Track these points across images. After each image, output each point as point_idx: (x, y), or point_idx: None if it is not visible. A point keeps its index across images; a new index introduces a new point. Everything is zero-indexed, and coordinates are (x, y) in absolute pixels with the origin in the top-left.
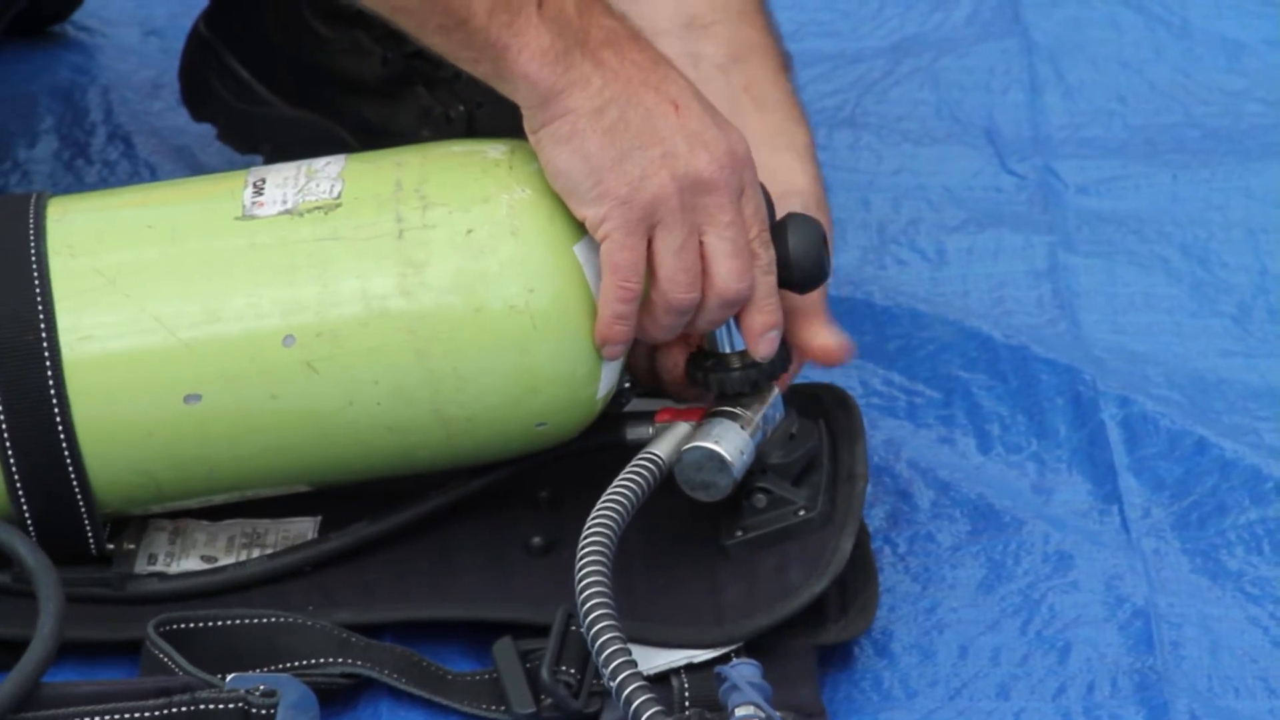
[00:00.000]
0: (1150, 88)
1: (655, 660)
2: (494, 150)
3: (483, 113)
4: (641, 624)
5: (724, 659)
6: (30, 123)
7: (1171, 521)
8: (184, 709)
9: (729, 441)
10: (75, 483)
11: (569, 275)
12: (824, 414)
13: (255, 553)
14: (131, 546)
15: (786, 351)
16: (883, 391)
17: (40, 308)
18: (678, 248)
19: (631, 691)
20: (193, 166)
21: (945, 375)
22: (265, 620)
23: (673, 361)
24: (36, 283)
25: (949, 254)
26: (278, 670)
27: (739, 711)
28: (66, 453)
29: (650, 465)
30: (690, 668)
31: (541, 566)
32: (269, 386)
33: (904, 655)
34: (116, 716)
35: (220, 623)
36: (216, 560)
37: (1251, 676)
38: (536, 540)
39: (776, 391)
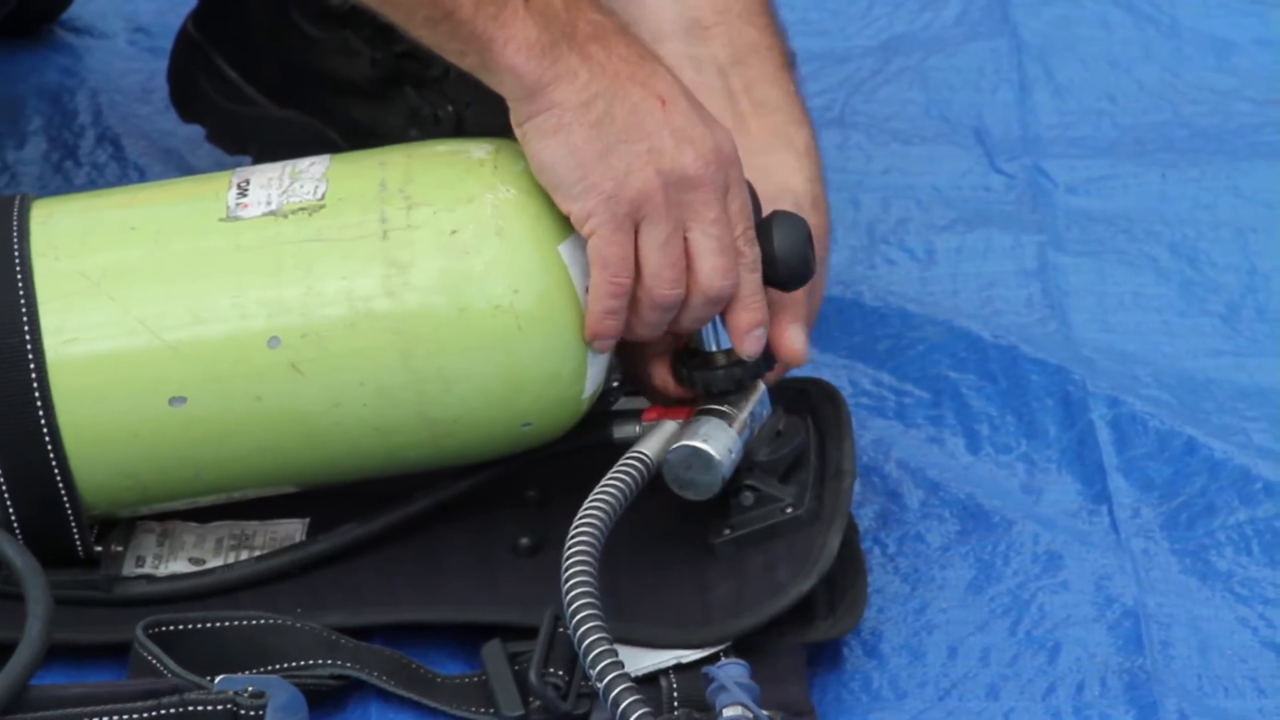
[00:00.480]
0: (1139, 87)
1: (643, 661)
2: (478, 150)
3: (471, 113)
4: (629, 624)
5: (712, 659)
6: (18, 124)
7: (1161, 522)
8: (172, 711)
9: (716, 440)
10: (61, 485)
11: (554, 275)
12: (811, 409)
13: (243, 555)
14: (119, 548)
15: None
16: (872, 391)
17: (24, 310)
18: (662, 243)
19: (619, 693)
20: (182, 168)
21: (934, 375)
22: (254, 622)
23: (660, 378)
24: (20, 285)
25: (938, 254)
26: (266, 672)
27: (727, 712)
28: (51, 455)
29: (638, 464)
30: (679, 668)
31: (529, 567)
32: (254, 388)
33: (893, 656)
34: (105, 718)
35: (209, 624)
36: (205, 562)
37: (1240, 676)
38: (524, 541)
39: (763, 388)
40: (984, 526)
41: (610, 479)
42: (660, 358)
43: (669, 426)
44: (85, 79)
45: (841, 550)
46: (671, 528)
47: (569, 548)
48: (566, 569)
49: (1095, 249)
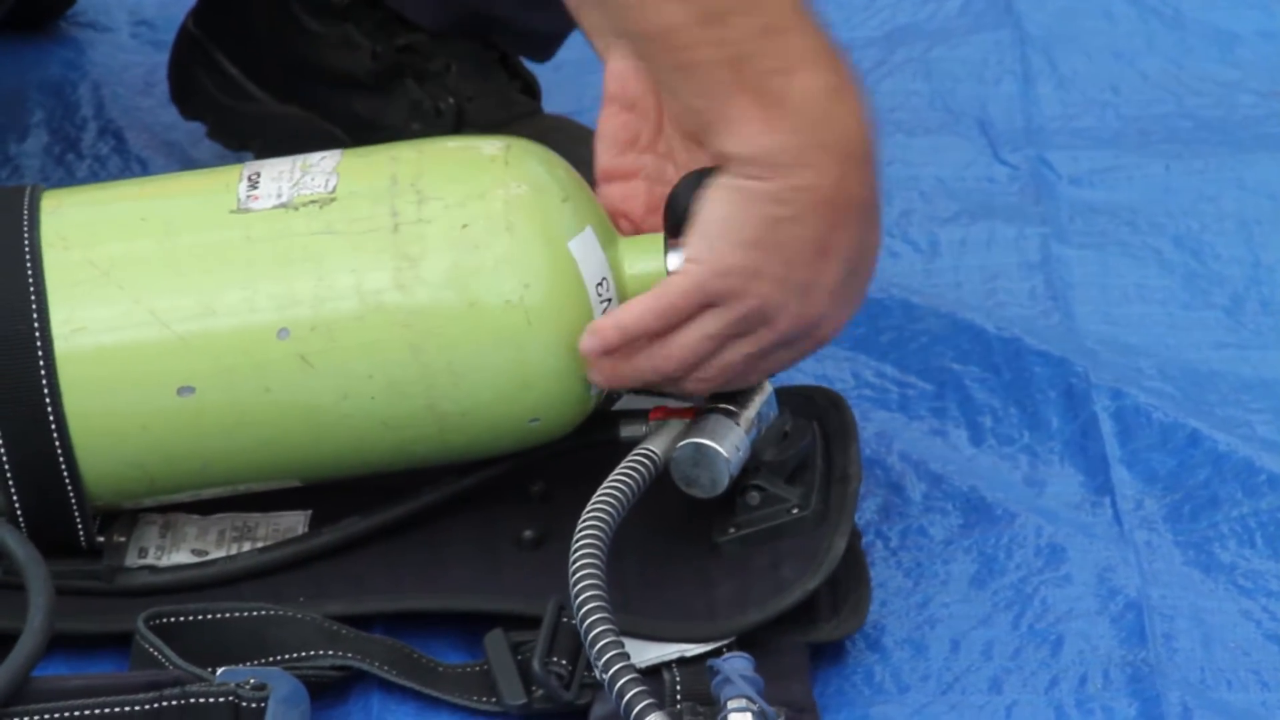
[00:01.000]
0: (1143, 78)
1: (647, 654)
2: (490, 146)
3: (472, 106)
4: (634, 618)
5: (716, 653)
6: (21, 117)
7: (1164, 514)
8: (174, 703)
9: (724, 438)
10: (66, 475)
11: (564, 271)
12: (818, 415)
13: (246, 546)
14: (122, 539)
15: None
16: (874, 384)
17: (33, 299)
18: (714, 335)
19: (624, 684)
20: (184, 162)
21: (937, 367)
22: (255, 613)
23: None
24: (30, 274)
25: (941, 245)
26: (268, 663)
27: (731, 704)
28: (58, 445)
29: (646, 460)
30: (682, 661)
31: (533, 559)
32: (263, 380)
33: (896, 650)
34: (106, 710)
35: (210, 616)
36: (207, 553)
37: (1244, 669)
38: (528, 534)
39: (769, 389)
40: (987, 519)
41: (618, 474)
42: None
43: (676, 425)
44: (88, 72)
45: (845, 554)
46: (677, 525)
47: (578, 538)
48: (574, 559)
49: (1099, 241)
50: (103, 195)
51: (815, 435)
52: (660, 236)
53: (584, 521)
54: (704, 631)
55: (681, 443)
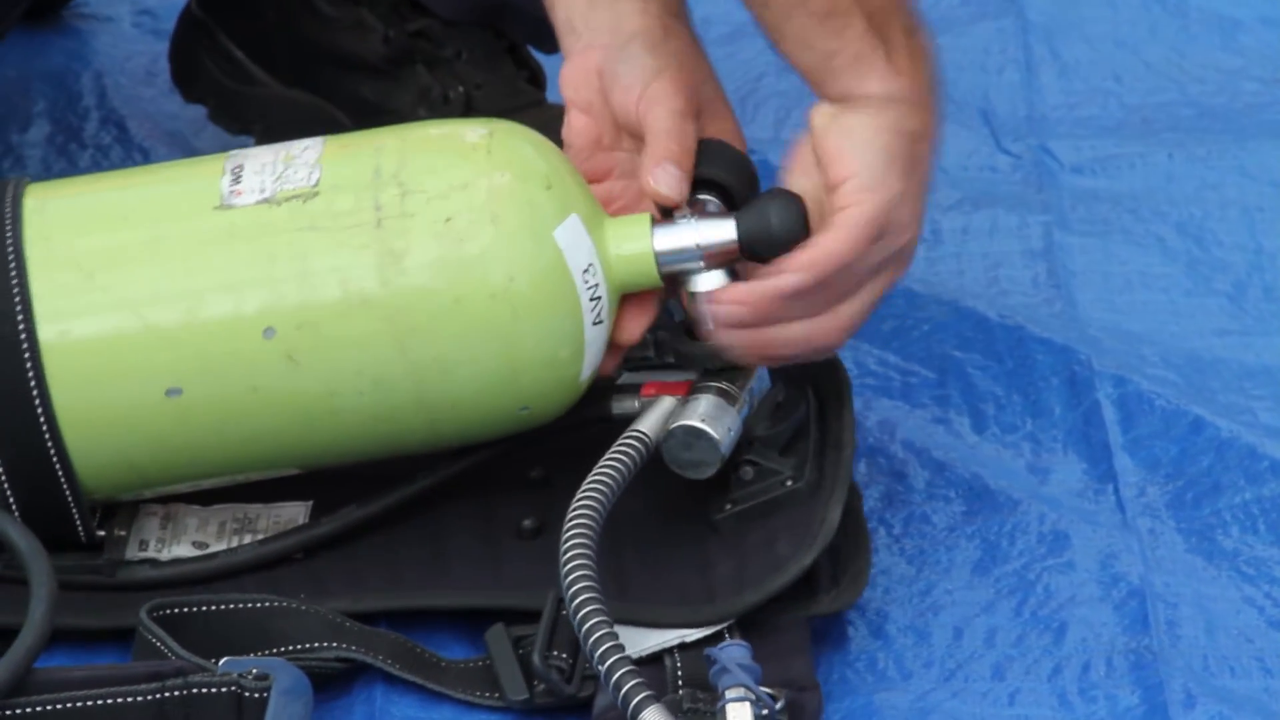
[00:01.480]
0: (1146, 66)
1: (647, 641)
2: (472, 133)
3: (480, 94)
4: (633, 604)
5: (716, 638)
6: (23, 107)
7: (1167, 501)
8: (177, 693)
9: (716, 418)
10: (60, 471)
11: (550, 260)
12: (812, 377)
13: (247, 538)
14: (122, 533)
15: None
16: (878, 372)
17: (17, 296)
18: (876, 268)
19: (620, 675)
20: (186, 151)
21: (940, 355)
22: (259, 605)
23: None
24: (14, 271)
25: (944, 234)
26: (271, 655)
27: (729, 694)
28: (49, 441)
29: (637, 443)
30: (683, 647)
31: (533, 550)
32: (250, 378)
33: (899, 636)
34: (109, 700)
35: (214, 607)
36: (208, 546)
37: (1247, 656)
38: (528, 523)
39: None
40: (990, 507)
41: (608, 459)
42: None
43: (667, 403)
44: (90, 61)
45: (845, 520)
46: (672, 505)
47: (566, 531)
48: (564, 553)
49: (1101, 229)
50: (87, 190)
51: (809, 403)
52: (646, 216)
53: (572, 514)
54: (703, 615)
55: (674, 426)
